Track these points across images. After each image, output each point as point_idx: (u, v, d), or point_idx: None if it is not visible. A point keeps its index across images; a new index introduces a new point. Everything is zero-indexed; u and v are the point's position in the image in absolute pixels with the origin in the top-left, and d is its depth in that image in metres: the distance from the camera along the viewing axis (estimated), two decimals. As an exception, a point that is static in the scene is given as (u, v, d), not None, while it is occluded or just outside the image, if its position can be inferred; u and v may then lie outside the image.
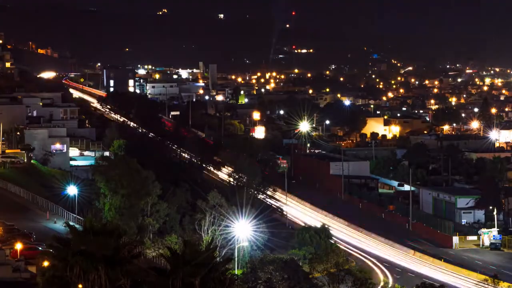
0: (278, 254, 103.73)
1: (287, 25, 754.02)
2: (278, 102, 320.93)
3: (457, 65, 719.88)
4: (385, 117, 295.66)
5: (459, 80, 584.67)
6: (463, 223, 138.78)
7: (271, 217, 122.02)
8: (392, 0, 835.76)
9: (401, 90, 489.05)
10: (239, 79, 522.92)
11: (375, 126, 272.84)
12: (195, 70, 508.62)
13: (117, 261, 57.02)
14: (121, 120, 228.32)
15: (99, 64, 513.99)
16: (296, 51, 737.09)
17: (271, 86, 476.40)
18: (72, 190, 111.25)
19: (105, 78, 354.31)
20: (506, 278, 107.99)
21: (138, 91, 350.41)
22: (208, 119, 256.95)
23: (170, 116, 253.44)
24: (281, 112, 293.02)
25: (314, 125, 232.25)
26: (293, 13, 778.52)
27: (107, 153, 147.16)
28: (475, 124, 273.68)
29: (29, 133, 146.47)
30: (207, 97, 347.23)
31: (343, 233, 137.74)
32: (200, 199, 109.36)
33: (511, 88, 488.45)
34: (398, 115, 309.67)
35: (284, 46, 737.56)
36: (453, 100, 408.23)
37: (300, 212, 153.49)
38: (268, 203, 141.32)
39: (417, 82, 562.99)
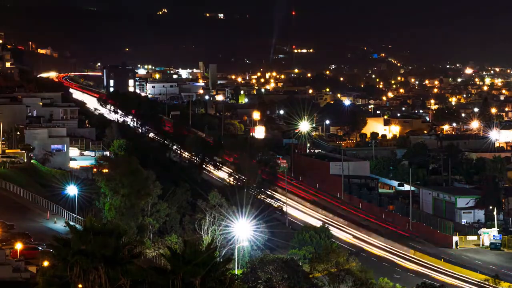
0: (278, 254, 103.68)
1: (287, 25, 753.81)
2: (278, 102, 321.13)
3: (457, 65, 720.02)
4: (385, 117, 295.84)
5: (459, 80, 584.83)
6: (463, 223, 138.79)
7: (271, 216, 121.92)
8: (392, 0, 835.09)
9: (401, 90, 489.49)
10: (239, 79, 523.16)
11: (375, 126, 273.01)
12: (195, 70, 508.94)
13: (117, 261, 57.03)
14: (121, 120, 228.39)
15: (99, 64, 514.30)
16: (296, 51, 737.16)
17: (271, 86, 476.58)
18: (72, 190, 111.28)
19: (105, 78, 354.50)
20: (506, 278, 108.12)
21: (138, 91, 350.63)
22: (208, 119, 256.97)
23: (170, 116, 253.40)
24: (281, 112, 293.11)
25: (314, 125, 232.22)
26: (293, 13, 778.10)
27: (107, 153, 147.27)
28: (475, 124, 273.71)
29: (29, 133, 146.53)
30: (207, 97, 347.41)
31: (343, 232, 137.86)
32: (200, 199, 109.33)
33: (511, 88, 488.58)
34: (398, 115, 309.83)
35: (284, 46, 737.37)
36: (453, 100, 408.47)
37: (300, 212, 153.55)
38: (268, 202, 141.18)
39: (417, 82, 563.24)
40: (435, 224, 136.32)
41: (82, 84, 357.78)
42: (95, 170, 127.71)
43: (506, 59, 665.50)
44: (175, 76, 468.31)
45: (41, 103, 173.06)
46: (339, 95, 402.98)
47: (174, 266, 57.69)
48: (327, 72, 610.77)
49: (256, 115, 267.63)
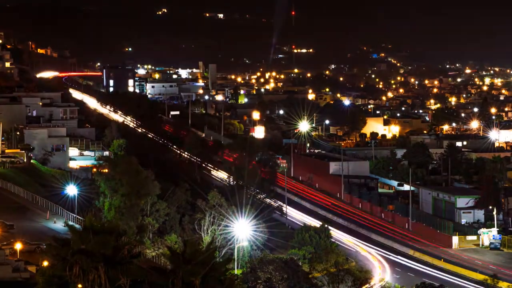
0: (278, 254, 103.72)
1: (287, 25, 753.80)
2: (278, 102, 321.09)
3: (457, 65, 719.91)
4: (385, 117, 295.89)
5: (459, 80, 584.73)
6: (462, 223, 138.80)
7: (270, 216, 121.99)
8: (392, 0, 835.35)
9: (401, 90, 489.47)
10: (239, 79, 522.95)
11: (375, 126, 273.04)
12: (194, 70, 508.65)
13: (117, 260, 57.07)
14: (121, 120, 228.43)
15: (98, 64, 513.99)
16: (295, 51, 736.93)
17: (270, 86, 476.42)
18: (71, 190, 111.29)
19: (105, 78, 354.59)
20: (505, 278, 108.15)
21: (138, 91, 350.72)
22: (208, 119, 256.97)
23: (170, 116, 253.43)
24: (281, 112, 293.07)
25: (313, 125, 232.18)
26: (293, 13, 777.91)
27: (106, 153, 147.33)
28: (474, 124, 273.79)
29: (29, 133, 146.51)
30: (206, 97, 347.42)
31: (343, 232, 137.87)
32: (200, 199, 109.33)
33: (510, 88, 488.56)
34: (398, 115, 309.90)
35: (284, 46, 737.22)
36: (453, 100, 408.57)
37: (300, 212, 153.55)
38: (267, 202, 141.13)
39: (416, 82, 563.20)
40: (435, 224, 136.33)
41: (82, 84, 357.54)
42: (94, 170, 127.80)
43: (506, 59, 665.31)
44: (174, 76, 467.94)
45: (40, 103, 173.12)
46: (338, 95, 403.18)
47: (174, 266, 57.75)
48: (327, 72, 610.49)
49: (255, 115, 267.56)
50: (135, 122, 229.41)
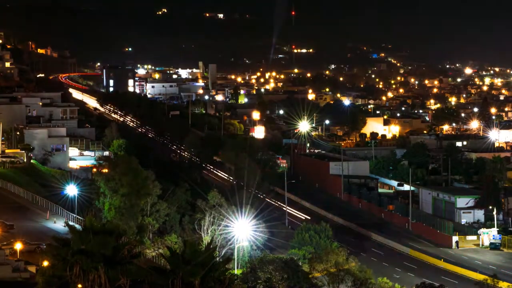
0: (278, 254, 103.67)
1: (287, 25, 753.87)
2: (278, 102, 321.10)
3: (457, 65, 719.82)
4: (385, 117, 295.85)
5: (458, 80, 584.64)
6: (462, 223, 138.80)
7: (270, 216, 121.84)
8: (392, 0, 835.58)
9: (401, 90, 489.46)
10: (239, 79, 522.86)
11: (375, 126, 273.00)
12: (194, 70, 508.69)
13: (117, 260, 57.11)
14: (121, 120, 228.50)
15: (98, 64, 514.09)
16: (295, 51, 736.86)
17: (270, 86, 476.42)
18: (71, 190, 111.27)
19: (105, 78, 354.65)
20: (505, 278, 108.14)
21: (137, 91, 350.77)
22: (208, 119, 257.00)
23: (170, 116, 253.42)
24: (281, 112, 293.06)
25: (313, 125, 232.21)
26: (293, 13, 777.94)
27: (106, 153, 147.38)
28: (474, 124, 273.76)
29: (29, 133, 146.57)
30: (206, 97, 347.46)
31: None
32: (200, 199, 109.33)
33: (510, 88, 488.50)
34: (398, 115, 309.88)
35: (284, 46, 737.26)
36: (453, 100, 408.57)
37: (300, 212, 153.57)
38: (267, 202, 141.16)
39: (416, 82, 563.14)
40: (435, 224, 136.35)
41: (82, 84, 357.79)
42: (94, 170, 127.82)
43: (506, 59, 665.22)
44: (174, 76, 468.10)
45: (40, 103, 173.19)
46: (338, 95, 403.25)
47: (174, 266, 57.78)
48: (327, 72, 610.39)
49: (255, 115, 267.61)
50: (135, 122, 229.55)
